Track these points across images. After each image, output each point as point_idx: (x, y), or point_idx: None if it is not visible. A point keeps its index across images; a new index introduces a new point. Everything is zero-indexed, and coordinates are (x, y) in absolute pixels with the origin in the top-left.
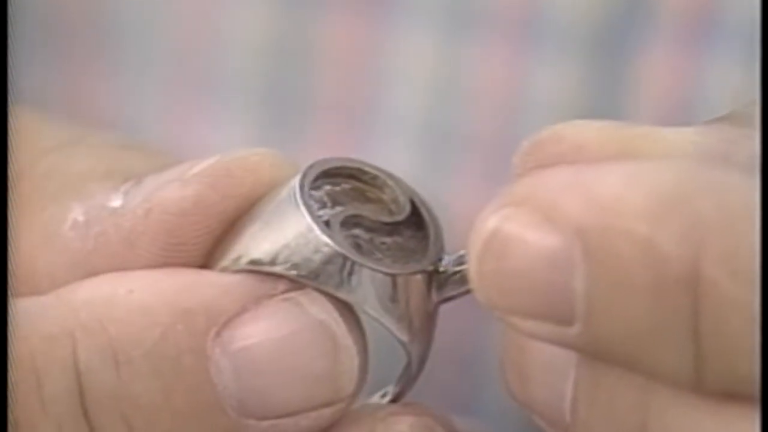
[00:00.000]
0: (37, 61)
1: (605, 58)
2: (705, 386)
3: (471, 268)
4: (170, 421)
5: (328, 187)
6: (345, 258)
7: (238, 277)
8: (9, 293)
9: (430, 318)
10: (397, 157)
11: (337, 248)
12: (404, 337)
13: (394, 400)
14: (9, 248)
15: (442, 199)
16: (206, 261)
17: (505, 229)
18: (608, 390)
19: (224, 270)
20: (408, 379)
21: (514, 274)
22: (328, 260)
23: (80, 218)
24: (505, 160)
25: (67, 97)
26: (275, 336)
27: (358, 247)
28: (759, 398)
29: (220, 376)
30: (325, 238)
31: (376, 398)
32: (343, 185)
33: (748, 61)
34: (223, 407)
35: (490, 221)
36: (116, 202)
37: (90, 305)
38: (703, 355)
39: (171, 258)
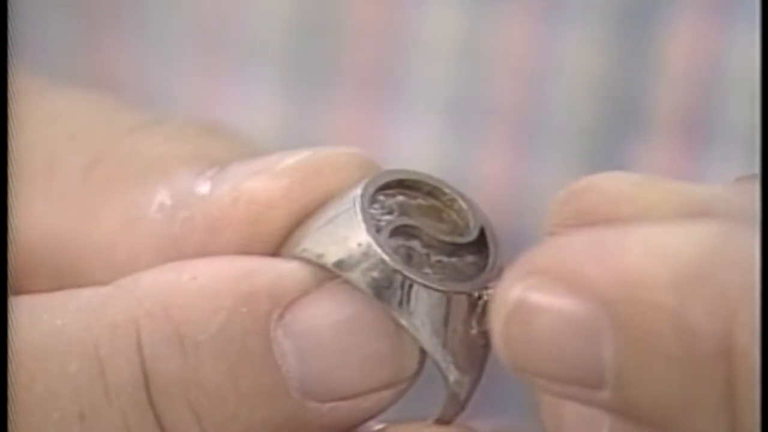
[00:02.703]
0: (60, 33)
1: (629, 28)
2: None
3: (496, 335)
4: (235, 405)
5: (401, 198)
6: (397, 273)
7: (299, 262)
8: (8, 292)
9: (471, 348)
10: (421, 126)
11: (391, 263)
12: (451, 377)
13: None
14: (9, 247)
15: (467, 168)
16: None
17: (530, 299)
18: None
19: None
20: (453, 409)
21: (541, 342)
22: (384, 276)
23: (167, 202)
24: (529, 129)
25: (91, 68)
26: (337, 317)
27: (408, 257)
28: (759, 398)
29: (284, 358)
30: (382, 254)
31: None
32: (419, 200)
33: None
34: (287, 389)
35: (514, 290)
36: (204, 188)
37: (153, 293)
38: (737, 421)
39: (252, 247)
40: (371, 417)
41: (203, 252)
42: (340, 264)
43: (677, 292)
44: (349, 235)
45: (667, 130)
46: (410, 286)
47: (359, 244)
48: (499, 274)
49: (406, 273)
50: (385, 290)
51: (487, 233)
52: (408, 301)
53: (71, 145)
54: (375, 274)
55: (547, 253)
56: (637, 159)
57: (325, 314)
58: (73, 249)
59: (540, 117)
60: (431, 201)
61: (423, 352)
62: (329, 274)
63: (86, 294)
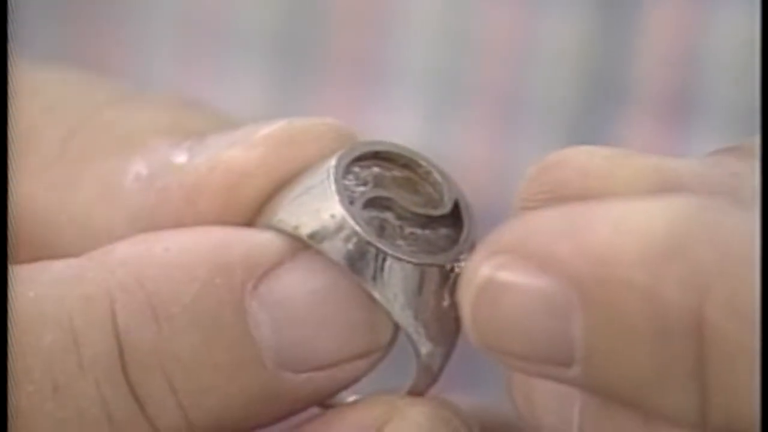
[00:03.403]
0: (45, 16)
1: (611, 6)
2: (710, 426)
3: (465, 314)
4: (210, 376)
5: (377, 170)
6: (370, 245)
7: (273, 233)
8: (8, 286)
9: (443, 321)
10: (406, 107)
11: (364, 235)
12: (423, 349)
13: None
14: (9, 242)
15: (451, 148)
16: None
17: (498, 277)
18: (614, 420)
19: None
20: (425, 381)
21: (510, 320)
22: (357, 248)
23: (143, 171)
24: (513, 110)
25: (74, 55)
26: (312, 287)
27: (381, 229)
28: (759, 398)
29: (258, 329)
30: (355, 226)
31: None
32: (395, 172)
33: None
34: (262, 360)
35: (483, 269)
36: (181, 158)
37: (126, 264)
38: (708, 397)
39: (228, 217)
40: (346, 387)
41: (179, 222)
42: (314, 235)
43: (648, 269)
44: (322, 207)
45: (649, 107)
46: (383, 259)
47: (333, 216)
48: (472, 247)
49: (379, 245)
50: (358, 262)
51: (462, 206)
52: (381, 273)
53: (48, 117)
54: (349, 246)
55: (516, 231)
56: (619, 137)
57: (299, 284)
58: (49, 220)
59: (523, 96)
60: (406, 173)
61: (396, 323)
62: (304, 244)
63: (59, 266)
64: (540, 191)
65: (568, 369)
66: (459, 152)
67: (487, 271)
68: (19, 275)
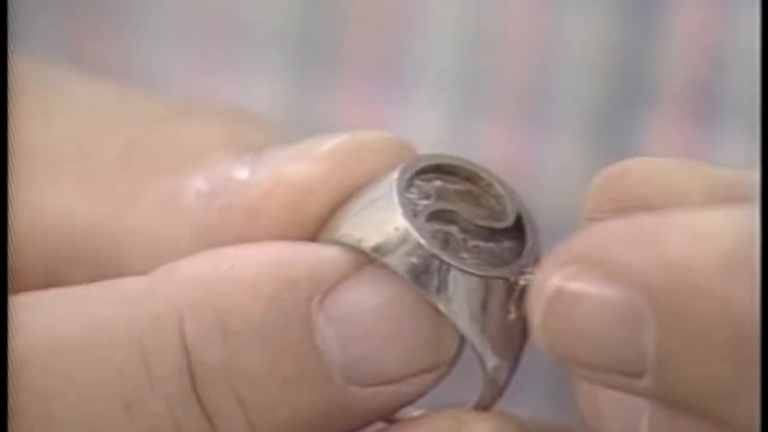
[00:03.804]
0: (54, 20)
1: (639, 3)
2: None
3: (535, 324)
4: (279, 391)
5: (439, 183)
6: (434, 257)
7: (337, 248)
8: (8, 290)
9: (509, 332)
10: (427, 106)
11: (428, 247)
12: (490, 363)
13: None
14: (9, 246)
15: (473, 147)
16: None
17: (569, 288)
18: (685, 430)
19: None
20: (491, 395)
21: (581, 330)
22: (422, 261)
23: (205, 188)
24: (536, 108)
25: (85, 55)
26: (377, 302)
27: (445, 242)
28: (759, 398)
29: (325, 344)
30: (419, 238)
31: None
32: (457, 185)
33: None
34: (330, 375)
35: (553, 279)
36: (242, 173)
37: (193, 282)
38: None
39: (291, 232)
40: (411, 402)
41: (242, 238)
42: (378, 248)
43: (722, 277)
44: (386, 220)
45: (674, 104)
46: (447, 271)
47: (396, 229)
48: (536, 260)
49: (444, 258)
50: (423, 275)
51: (524, 219)
52: (445, 286)
53: (103, 133)
54: (413, 258)
55: (585, 241)
56: (644, 135)
57: (364, 299)
58: (111, 237)
59: (546, 94)
60: (468, 186)
61: (461, 337)
62: (368, 258)
63: (127, 284)
64: (607, 203)
65: (639, 379)
66: (481, 151)
67: (558, 281)
68: (88, 293)
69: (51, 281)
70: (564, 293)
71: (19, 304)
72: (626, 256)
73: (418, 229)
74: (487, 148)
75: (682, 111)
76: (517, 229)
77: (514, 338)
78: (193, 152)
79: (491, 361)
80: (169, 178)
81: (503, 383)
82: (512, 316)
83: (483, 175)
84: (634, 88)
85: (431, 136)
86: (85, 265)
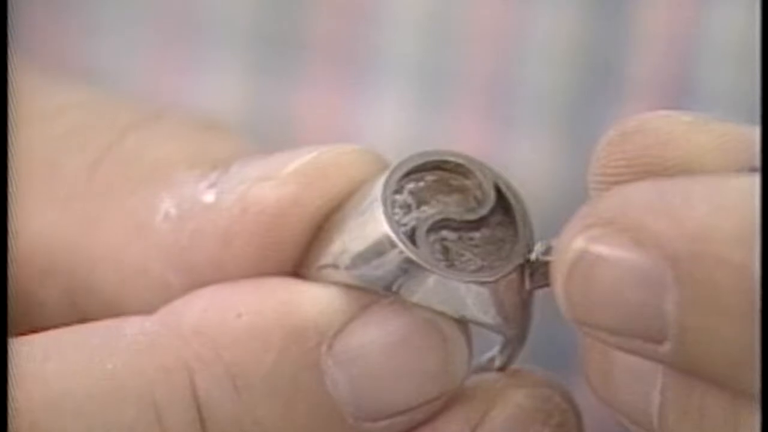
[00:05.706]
0: (18, 19)
1: None
2: None
3: (557, 286)
4: None
5: (411, 185)
6: (443, 278)
7: (339, 288)
8: (8, 298)
9: (525, 306)
10: (391, 99)
11: (425, 265)
12: (504, 335)
13: (501, 369)
14: (8, 254)
15: (439, 139)
16: (301, 258)
17: (592, 250)
18: (698, 401)
19: (325, 267)
20: (510, 353)
21: (603, 293)
22: (416, 275)
23: (172, 211)
24: (503, 100)
25: (49, 54)
26: (385, 340)
27: (446, 250)
28: (759, 398)
29: (336, 387)
30: (425, 264)
31: (483, 360)
32: (427, 178)
33: (751, 2)
34: (342, 416)
35: (577, 241)
36: (209, 196)
37: (200, 334)
38: None
39: (266, 257)
40: (423, 422)
41: (214, 262)
42: (388, 287)
43: (743, 247)
44: (384, 251)
45: (644, 96)
46: (457, 285)
47: (396, 252)
48: (530, 230)
49: (454, 277)
50: (437, 296)
51: (504, 189)
52: (464, 298)
53: (72, 142)
54: (420, 285)
55: (610, 204)
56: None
57: (373, 338)
58: (82, 254)
59: (512, 86)
60: (438, 174)
61: (469, 359)
62: (373, 296)
63: (132, 332)
64: (621, 157)
65: (660, 345)
66: (449, 144)
67: (581, 243)
68: (91, 342)
69: (22, 298)
70: (587, 255)
71: (23, 353)
72: (651, 221)
73: (418, 256)
74: (454, 141)
75: (651, 103)
76: (500, 201)
77: (527, 310)
78: (160, 167)
79: (510, 331)
80: (136, 195)
81: (523, 340)
82: (527, 287)
83: (449, 158)
84: (602, 81)
85: (398, 129)
86: (58, 282)
